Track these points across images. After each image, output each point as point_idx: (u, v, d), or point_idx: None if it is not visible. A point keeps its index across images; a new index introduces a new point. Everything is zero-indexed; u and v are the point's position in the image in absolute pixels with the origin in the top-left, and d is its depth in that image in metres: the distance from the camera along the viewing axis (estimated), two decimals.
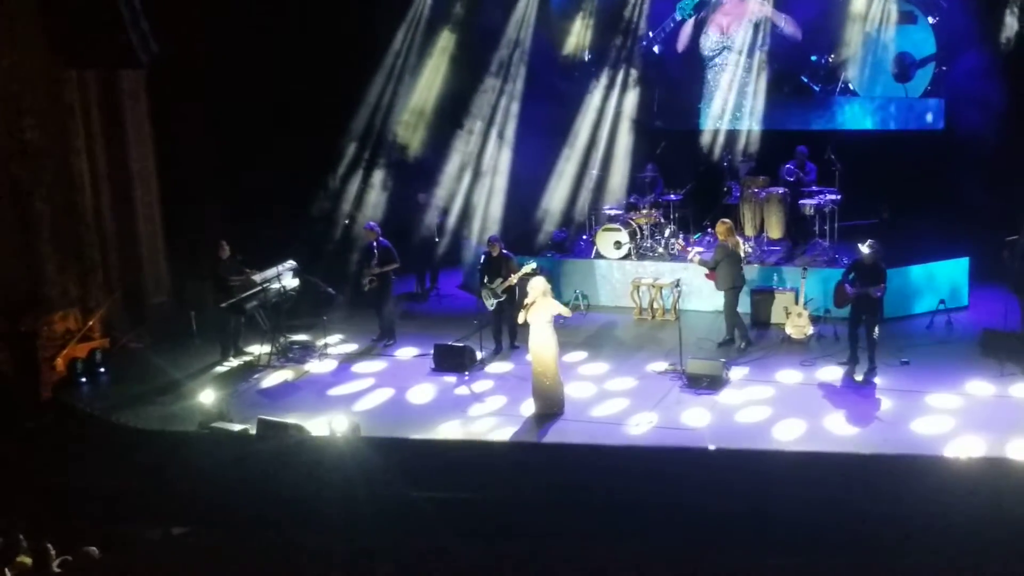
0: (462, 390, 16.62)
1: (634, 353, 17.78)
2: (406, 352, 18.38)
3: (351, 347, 18.69)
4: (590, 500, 11.89)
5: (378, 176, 22.33)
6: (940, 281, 19.08)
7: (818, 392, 15.82)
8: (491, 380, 17.01)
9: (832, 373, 16.43)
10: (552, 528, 11.30)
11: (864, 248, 16.12)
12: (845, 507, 11.18)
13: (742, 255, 18.15)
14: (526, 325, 15.35)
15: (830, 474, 12.15)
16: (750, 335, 17.91)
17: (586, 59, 23.43)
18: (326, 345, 18.46)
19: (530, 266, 17.43)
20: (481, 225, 22.08)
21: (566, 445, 14.31)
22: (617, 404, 15.65)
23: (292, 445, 13.93)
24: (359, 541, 11.32)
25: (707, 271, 17.81)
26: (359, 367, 17.80)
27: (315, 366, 17.86)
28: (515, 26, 22.88)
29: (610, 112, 22.69)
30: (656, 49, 23.32)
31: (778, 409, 15.11)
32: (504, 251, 17.94)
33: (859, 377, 16.18)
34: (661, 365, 16.88)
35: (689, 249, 19.06)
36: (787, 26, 21.97)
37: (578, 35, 23.39)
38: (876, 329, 16.21)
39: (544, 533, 11.26)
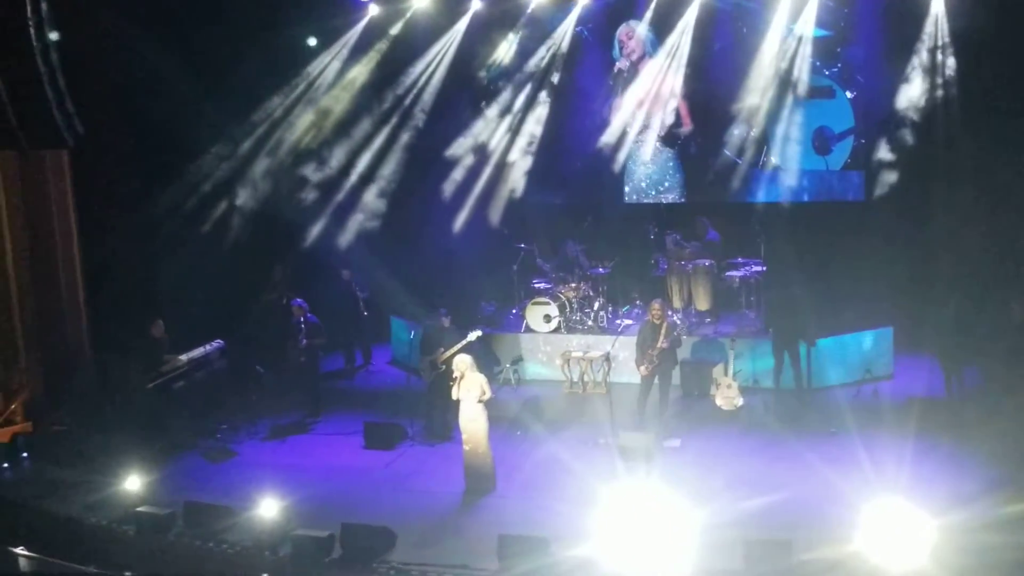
0: (393, 468, 16.46)
1: (565, 427, 17.72)
2: (336, 429, 18.18)
3: (279, 425, 18.42)
4: None
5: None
6: (865, 351, 19.29)
7: None
8: (422, 457, 16.89)
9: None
10: None
11: None
12: None
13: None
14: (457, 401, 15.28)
15: None
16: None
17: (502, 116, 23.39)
18: (254, 425, 18.20)
19: (475, 334, 17.36)
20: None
21: None
22: (553, 480, 15.45)
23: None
24: None
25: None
26: (288, 446, 17.62)
27: (243, 447, 17.61)
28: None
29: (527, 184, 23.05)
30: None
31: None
32: (452, 325, 17.84)
33: None
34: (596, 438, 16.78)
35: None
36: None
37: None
38: None
39: None
